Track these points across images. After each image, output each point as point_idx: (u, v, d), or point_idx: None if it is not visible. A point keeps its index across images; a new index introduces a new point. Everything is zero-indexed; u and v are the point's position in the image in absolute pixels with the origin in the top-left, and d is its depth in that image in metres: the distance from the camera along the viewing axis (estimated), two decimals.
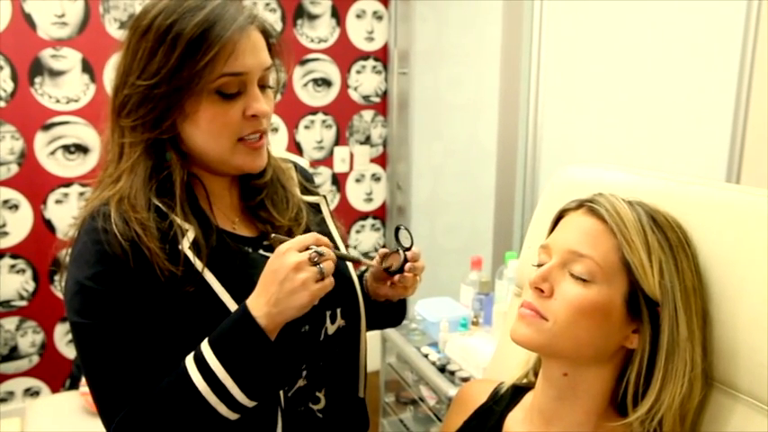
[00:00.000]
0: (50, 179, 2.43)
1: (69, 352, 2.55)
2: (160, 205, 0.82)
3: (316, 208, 1.00)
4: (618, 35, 1.76)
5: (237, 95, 0.81)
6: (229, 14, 0.79)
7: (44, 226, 2.44)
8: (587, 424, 0.76)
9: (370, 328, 1.01)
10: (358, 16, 2.87)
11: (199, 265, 0.81)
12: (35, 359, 2.52)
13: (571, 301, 0.71)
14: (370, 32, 2.90)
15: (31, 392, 2.54)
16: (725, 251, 0.75)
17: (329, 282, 0.77)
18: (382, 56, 2.94)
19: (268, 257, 0.81)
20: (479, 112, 2.40)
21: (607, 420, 0.75)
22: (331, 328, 0.93)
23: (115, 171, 0.83)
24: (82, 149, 2.46)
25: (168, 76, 0.77)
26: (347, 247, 1.00)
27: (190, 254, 0.80)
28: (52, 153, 2.42)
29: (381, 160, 3.06)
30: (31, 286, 2.46)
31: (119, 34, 2.42)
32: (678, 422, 0.72)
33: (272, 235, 0.82)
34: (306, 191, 1.00)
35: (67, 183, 2.46)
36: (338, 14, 2.83)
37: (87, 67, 2.42)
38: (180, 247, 0.80)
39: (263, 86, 0.84)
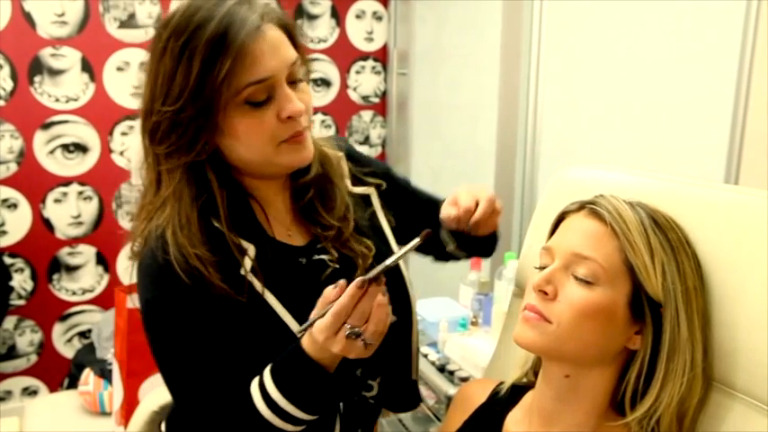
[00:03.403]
0: (49, 178, 2.43)
1: (67, 351, 2.55)
2: (218, 225, 0.82)
3: (366, 200, 0.99)
4: (617, 36, 1.77)
5: (268, 100, 0.79)
6: (239, 19, 0.76)
7: (43, 225, 2.44)
8: (587, 424, 0.76)
9: (463, 249, 1.04)
10: (357, 17, 2.87)
11: (259, 286, 0.82)
12: (33, 358, 2.52)
13: (575, 304, 0.71)
14: (369, 33, 2.90)
15: (29, 392, 2.54)
16: (725, 252, 0.75)
17: (379, 339, 0.75)
18: (382, 56, 2.95)
19: (323, 260, 0.89)
20: (479, 113, 2.40)
21: (607, 420, 0.76)
22: None
23: (156, 198, 0.83)
24: (81, 148, 2.46)
25: (191, 98, 0.76)
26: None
27: (251, 277, 0.82)
28: (51, 152, 2.42)
29: (380, 160, 3.06)
30: (29, 285, 2.46)
31: (118, 34, 2.43)
32: (675, 422, 0.72)
33: (299, 330, 0.78)
34: (357, 181, 0.99)
35: (66, 182, 2.46)
36: (338, 15, 2.83)
37: (87, 66, 2.42)
38: (241, 271, 0.81)
39: (293, 82, 0.81)
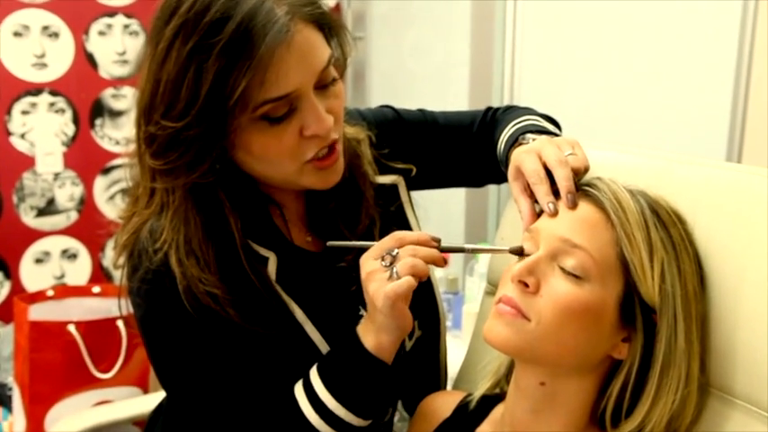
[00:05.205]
0: None
1: None
2: (235, 232, 0.82)
3: (393, 191, 0.99)
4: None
5: (291, 113, 0.77)
6: (262, 21, 0.72)
7: None
8: None
9: None
10: None
11: (286, 299, 0.84)
12: None
13: (560, 300, 0.70)
14: None
15: None
16: (724, 239, 0.76)
17: (405, 281, 0.75)
18: None
19: (346, 268, 0.89)
20: (448, 83, 2.41)
21: None
22: (408, 344, 0.95)
23: (148, 210, 0.83)
24: None
25: (197, 117, 0.73)
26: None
27: (278, 288, 0.84)
28: None
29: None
30: None
31: None
32: None
33: (328, 243, 0.84)
34: (382, 168, 0.98)
35: None
36: None
37: None
38: (268, 282, 0.84)
39: (324, 85, 0.80)
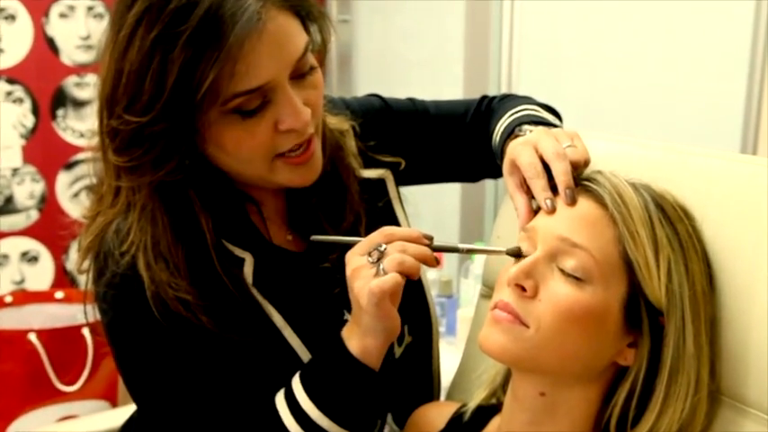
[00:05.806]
0: None
1: None
2: (206, 232, 0.83)
3: (380, 186, 1.00)
4: None
5: (264, 106, 0.78)
6: (231, 8, 0.72)
7: None
8: None
9: None
10: None
11: (263, 303, 0.85)
12: None
13: (560, 305, 0.71)
14: None
15: None
16: (736, 235, 0.77)
17: (391, 278, 0.75)
18: None
19: (330, 269, 0.90)
20: (441, 70, 2.41)
21: None
22: (398, 351, 0.96)
23: (113, 209, 0.84)
24: None
25: (162, 112, 0.74)
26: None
27: (256, 293, 0.85)
28: None
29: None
30: None
31: None
32: None
33: (312, 237, 0.85)
34: (368, 161, 0.98)
35: None
36: None
37: None
38: (243, 285, 0.84)
39: (301, 75, 0.81)
